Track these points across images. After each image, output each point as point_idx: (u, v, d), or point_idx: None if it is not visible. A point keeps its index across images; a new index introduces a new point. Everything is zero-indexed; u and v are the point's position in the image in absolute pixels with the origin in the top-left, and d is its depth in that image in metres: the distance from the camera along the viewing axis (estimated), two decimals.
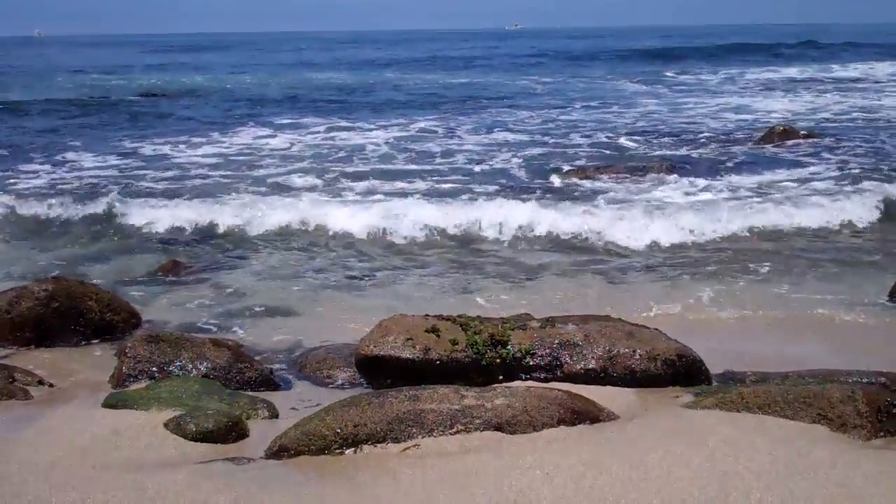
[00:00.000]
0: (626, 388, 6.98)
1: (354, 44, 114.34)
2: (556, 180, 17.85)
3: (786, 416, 5.96)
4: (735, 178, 17.63)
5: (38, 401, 7.26)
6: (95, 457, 5.83)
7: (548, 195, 16.34)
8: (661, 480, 5.05)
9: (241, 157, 21.47)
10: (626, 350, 7.25)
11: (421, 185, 17.55)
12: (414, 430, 5.89)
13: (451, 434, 5.87)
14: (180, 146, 23.40)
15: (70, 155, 21.89)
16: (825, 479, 5.05)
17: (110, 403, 6.79)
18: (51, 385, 7.72)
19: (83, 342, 9.06)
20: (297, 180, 18.29)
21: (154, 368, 7.70)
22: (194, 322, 9.90)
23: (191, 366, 7.75)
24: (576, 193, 16.57)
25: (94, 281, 10.97)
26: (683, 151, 21.02)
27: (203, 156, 21.86)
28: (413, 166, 19.84)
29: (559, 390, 6.39)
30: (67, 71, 60.32)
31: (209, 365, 7.76)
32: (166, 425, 6.29)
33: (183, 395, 6.88)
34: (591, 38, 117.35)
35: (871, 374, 7.21)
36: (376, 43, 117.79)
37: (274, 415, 6.82)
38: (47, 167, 20.19)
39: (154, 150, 22.92)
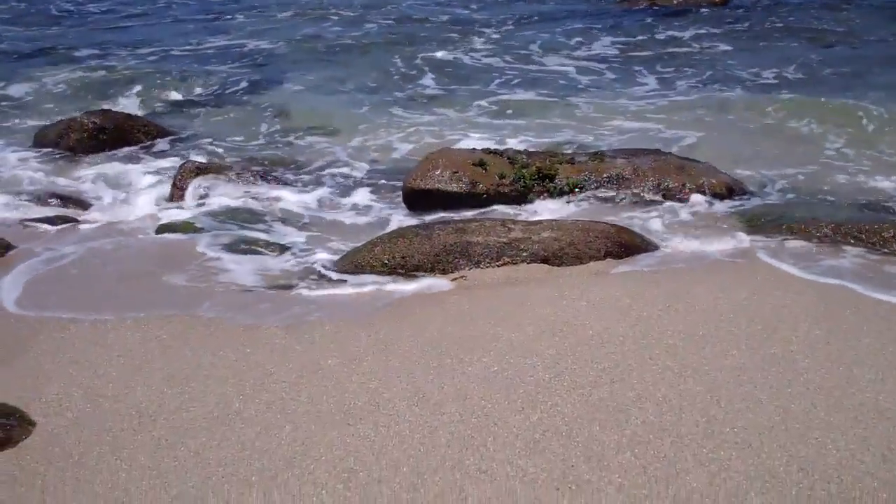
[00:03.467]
0: (675, 221, 6.92)
1: None
2: None
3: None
4: None
5: (92, 227, 7.37)
6: (149, 283, 5.97)
7: None
8: (708, 312, 5.07)
9: None
10: (676, 184, 7.17)
11: None
12: (461, 262, 5.93)
13: (497, 266, 5.91)
14: None
15: None
16: (872, 314, 5.04)
17: (162, 231, 6.90)
18: (96, 207, 7.83)
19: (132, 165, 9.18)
20: None
21: (203, 198, 7.77)
22: (242, 142, 9.89)
23: (239, 195, 7.80)
24: None
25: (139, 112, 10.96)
26: None
27: None
28: None
29: (606, 223, 6.37)
30: None
31: (257, 194, 7.80)
32: (216, 253, 6.39)
33: (231, 224, 6.96)
34: None
35: None
36: None
37: (323, 244, 6.88)
38: None
39: None
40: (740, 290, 5.34)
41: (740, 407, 4.15)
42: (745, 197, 7.26)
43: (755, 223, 6.73)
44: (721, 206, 7.07)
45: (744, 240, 6.31)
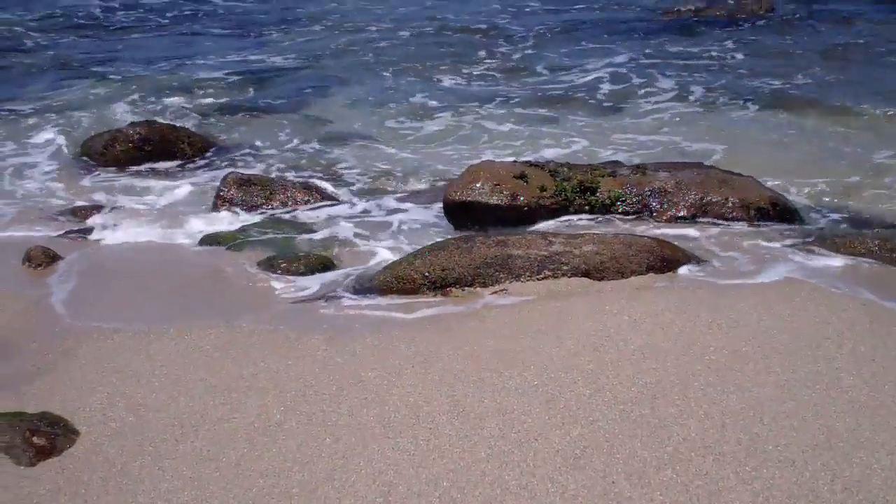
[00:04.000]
0: (718, 236, 6.87)
1: None
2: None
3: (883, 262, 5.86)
4: None
5: (136, 240, 7.45)
6: (192, 294, 6.03)
7: None
8: (751, 329, 5.01)
9: None
10: (719, 198, 7.11)
11: None
12: (501, 275, 5.92)
13: (538, 279, 5.89)
14: None
15: None
16: None
17: (206, 243, 6.97)
18: (140, 220, 7.92)
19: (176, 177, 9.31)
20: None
21: (246, 210, 7.84)
22: (285, 154, 9.99)
23: (282, 207, 7.87)
24: None
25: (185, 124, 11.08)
26: None
27: None
28: None
29: (648, 237, 6.33)
30: None
31: (299, 206, 7.87)
32: (259, 265, 6.44)
33: (274, 236, 7.01)
34: None
35: None
36: None
37: (364, 257, 6.91)
38: None
39: None
40: (784, 306, 5.28)
41: (784, 425, 4.11)
42: (789, 212, 7.18)
43: (799, 239, 6.66)
44: (765, 221, 7.01)
45: (788, 255, 6.25)
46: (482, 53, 15.02)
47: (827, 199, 7.71)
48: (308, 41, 16.74)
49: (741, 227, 6.96)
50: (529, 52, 15.09)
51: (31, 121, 11.52)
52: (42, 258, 6.56)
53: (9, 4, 20.49)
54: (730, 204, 7.07)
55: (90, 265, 6.66)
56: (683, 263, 6.10)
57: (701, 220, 7.05)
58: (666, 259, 6.06)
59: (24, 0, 20.46)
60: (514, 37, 16.25)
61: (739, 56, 14.04)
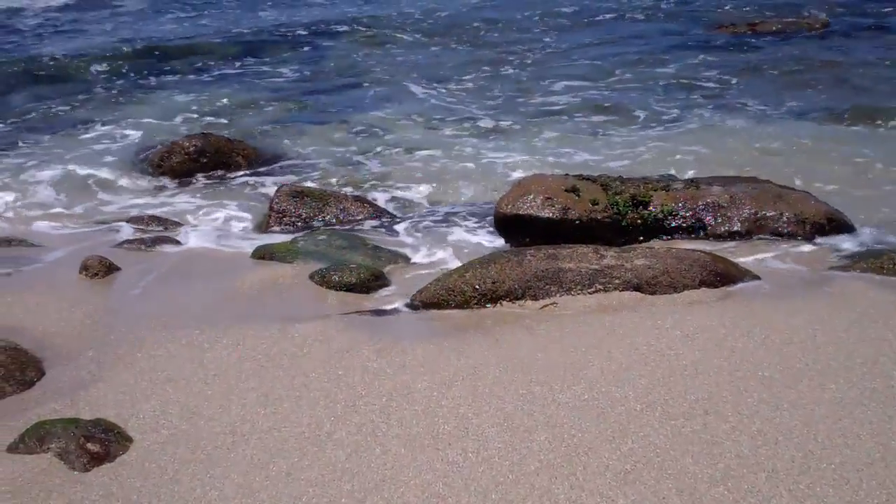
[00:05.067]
0: (772, 251, 6.80)
1: None
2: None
3: None
4: None
5: (190, 251, 7.56)
6: (245, 305, 6.08)
7: None
8: (806, 345, 4.95)
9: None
10: (773, 213, 7.03)
11: None
12: (552, 289, 5.91)
13: (589, 293, 5.87)
14: None
15: None
16: None
17: (259, 255, 7.03)
18: (194, 231, 8.04)
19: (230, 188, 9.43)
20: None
21: (299, 222, 7.92)
22: (337, 168, 10.07)
23: (335, 220, 7.93)
24: None
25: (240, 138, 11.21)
26: None
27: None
28: None
29: (701, 252, 6.28)
30: None
31: (352, 219, 7.93)
32: (311, 277, 6.49)
33: (327, 249, 7.06)
34: None
35: None
36: None
37: (415, 269, 6.94)
38: None
39: None
40: (839, 322, 5.21)
41: (838, 442, 4.04)
42: (846, 227, 7.08)
43: (855, 254, 6.57)
44: (820, 236, 6.92)
45: (843, 271, 6.16)
46: (530, 65, 15.01)
47: (884, 215, 7.58)
48: (360, 51, 16.86)
49: (796, 242, 6.88)
50: (577, 63, 15.04)
51: (89, 133, 11.75)
52: (98, 268, 6.66)
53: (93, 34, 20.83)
54: (785, 219, 6.99)
55: (145, 275, 6.76)
56: (737, 278, 6.04)
57: (755, 234, 6.98)
58: (719, 274, 6.00)
59: (95, 33, 20.81)
60: (560, 49, 16.21)
61: (794, 70, 13.87)
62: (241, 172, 9.77)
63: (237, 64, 16.26)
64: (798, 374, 4.66)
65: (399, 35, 18.24)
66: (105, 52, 17.32)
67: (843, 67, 13.92)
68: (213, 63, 16.32)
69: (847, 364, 4.73)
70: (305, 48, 17.61)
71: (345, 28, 19.43)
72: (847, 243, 6.90)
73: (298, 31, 19.32)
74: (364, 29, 19.20)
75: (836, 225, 7.04)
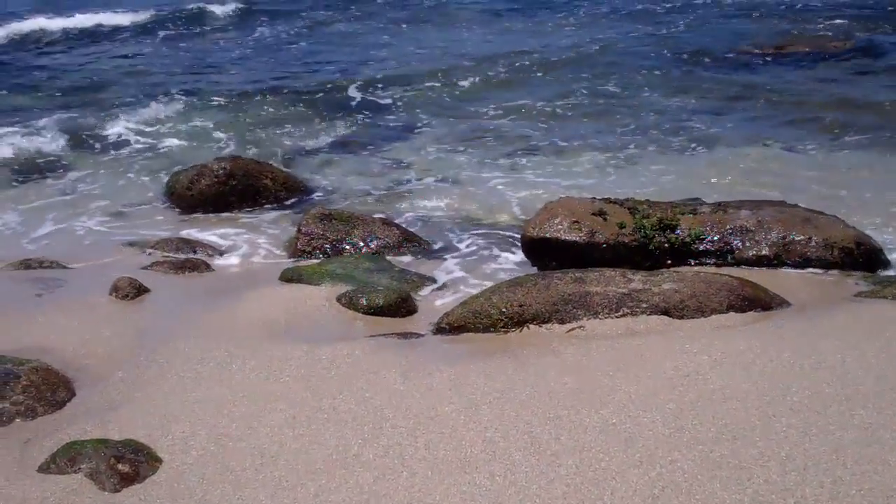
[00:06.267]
0: (800, 276, 6.77)
1: None
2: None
3: None
4: None
5: (219, 273, 7.63)
6: (273, 327, 6.12)
7: None
8: (835, 370, 4.91)
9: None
10: (802, 237, 7.00)
11: None
12: (579, 312, 5.90)
13: (616, 317, 5.86)
14: None
15: None
16: None
17: (287, 278, 7.08)
18: (223, 253, 8.10)
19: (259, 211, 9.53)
20: None
21: (327, 245, 7.96)
22: (364, 192, 10.12)
23: (362, 243, 7.97)
24: None
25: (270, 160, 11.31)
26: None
27: None
28: None
29: (729, 276, 6.26)
30: None
31: (379, 242, 7.96)
32: (339, 299, 6.52)
33: (354, 272, 7.10)
34: None
35: None
36: None
37: (442, 292, 6.96)
38: None
39: None
40: (869, 347, 5.17)
41: (867, 469, 4.01)
42: (875, 252, 7.04)
43: (884, 279, 6.53)
44: (849, 260, 6.88)
45: (872, 296, 6.12)
46: (559, 92, 15.04)
47: None
48: (393, 75, 16.95)
49: (824, 266, 6.85)
50: (601, 88, 15.07)
51: (121, 157, 11.89)
52: (129, 289, 6.73)
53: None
54: (813, 243, 6.96)
55: (175, 297, 6.82)
56: (765, 302, 6.02)
57: (783, 259, 6.95)
58: (747, 298, 5.98)
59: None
60: (588, 75, 16.22)
61: (821, 92, 13.83)
62: (270, 195, 9.84)
63: (267, 83, 16.41)
64: (827, 399, 4.62)
65: (441, 66, 18.29)
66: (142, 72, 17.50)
67: (870, 88, 13.86)
68: (245, 83, 16.50)
69: (876, 390, 4.69)
70: (328, 69, 17.77)
71: (379, 57, 19.57)
72: (876, 268, 6.86)
73: (331, 54, 19.53)
74: (400, 58, 19.32)
75: (866, 250, 7.00)
